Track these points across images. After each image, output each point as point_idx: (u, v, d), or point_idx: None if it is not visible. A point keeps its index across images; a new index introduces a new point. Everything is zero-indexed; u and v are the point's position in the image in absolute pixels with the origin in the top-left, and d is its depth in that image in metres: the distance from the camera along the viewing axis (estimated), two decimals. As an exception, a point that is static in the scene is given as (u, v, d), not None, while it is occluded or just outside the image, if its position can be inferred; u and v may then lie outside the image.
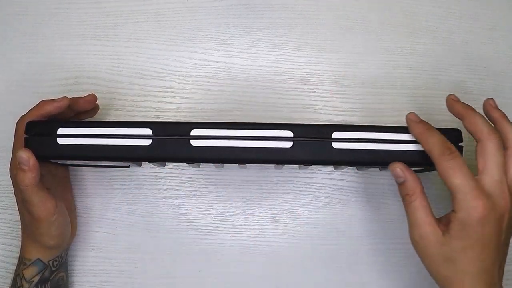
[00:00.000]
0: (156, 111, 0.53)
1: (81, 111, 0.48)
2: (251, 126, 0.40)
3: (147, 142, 0.40)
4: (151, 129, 0.40)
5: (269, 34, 0.54)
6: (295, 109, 0.53)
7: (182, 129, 0.40)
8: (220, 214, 0.53)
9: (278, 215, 0.53)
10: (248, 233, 0.53)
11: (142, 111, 0.53)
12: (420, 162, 0.41)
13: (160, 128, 0.40)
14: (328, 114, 0.53)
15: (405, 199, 0.40)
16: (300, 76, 0.54)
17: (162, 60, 0.54)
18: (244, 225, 0.53)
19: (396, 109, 0.53)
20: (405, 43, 0.54)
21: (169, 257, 0.52)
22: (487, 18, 0.55)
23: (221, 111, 0.53)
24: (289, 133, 0.40)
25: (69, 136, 0.40)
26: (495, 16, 0.55)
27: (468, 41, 0.55)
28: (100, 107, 0.53)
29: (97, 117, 0.53)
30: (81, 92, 0.53)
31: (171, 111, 0.53)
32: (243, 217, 0.53)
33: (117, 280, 0.52)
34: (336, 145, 0.40)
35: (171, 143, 0.40)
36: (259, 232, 0.53)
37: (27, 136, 0.41)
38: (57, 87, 0.53)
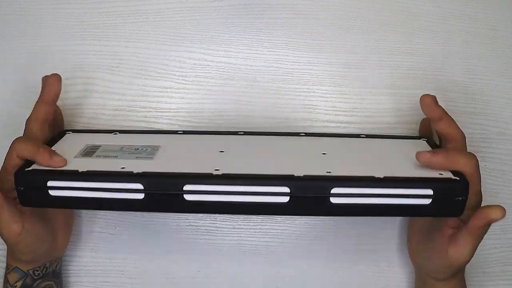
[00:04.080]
0: (155, 111, 0.53)
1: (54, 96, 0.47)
2: (246, 181, 0.39)
3: (140, 196, 0.39)
4: (142, 184, 0.39)
5: (268, 34, 0.54)
6: (294, 109, 0.53)
7: (174, 185, 0.39)
8: (220, 214, 0.53)
9: (278, 215, 0.53)
10: (248, 233, 0.53)
11: (141, 111, 0.53)
12: (423, 214, 0.40)
13: (151, 183, 0.39)
14: (327, 114, 0.53)
15: None
16: (300, 76, 0.54)
17: (161, 60, 0.54)
18: (244, 225, 0.53)
19: (396, 109, 0.53)
20: (404, 43, 0.54)
21: (169, 257, 0.52)
22: (487, 18, 0.55)
23: (221, 111, 0.53)
24: (286, 189, 0.38)
25: (60, 188, 0.39)
26: (495, 16, 0.55)
27: (468, 41, 0.55)
28: (98, 107, 0.53)
29: (99, 118, 0.53)
30: (81, 91, 0.53)
31: (171, 111, 0.53)
32: (243, 217, 0.53)
33: (117, 280, 0.52)
34: (334, 200, 0.38)
35: (164, 198, 0.39)
36: (259, 232, 0.53)
37: (20, 188, 0.40)
38: (57, 87, 0.53)
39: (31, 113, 0.46)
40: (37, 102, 0.46)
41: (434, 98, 0.45)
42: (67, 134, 0.48)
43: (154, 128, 0.52)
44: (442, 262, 0.44)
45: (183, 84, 0.53)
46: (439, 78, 0.54)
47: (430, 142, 0.48)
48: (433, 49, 0.54)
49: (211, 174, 0.39)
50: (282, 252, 0.52)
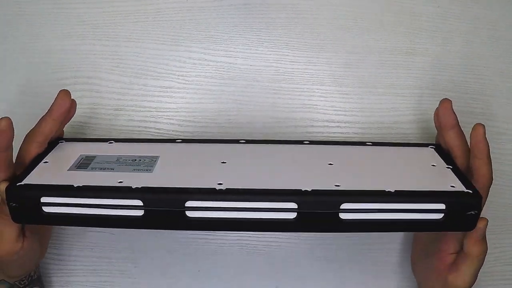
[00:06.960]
0: (156, 111, 0.53)
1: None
2: (251, 196, 0.37)
3: (139, 212, 0.37)
4: (142, 201, 0.37)
5: (268, 34, 0.54)
6: (294, 109, 0.53)
7: (175, 201, 0.37)
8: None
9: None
10: (248, 233, 0.53)
11: (141, 111, 0.53)
12: (434, 229, 0.39)
13: (151, 199, 0.37)
14: (327, 114, 0.53)
15: None
16: (300, 76, 0.54)
17: (161, 60, 0.54)
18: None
19: (396, 109, 0.53)
20: (405, 43, 0.54)
21: (169, 257, 0.52)
22: (487, 18, 0.55)
23: (221, 111, 0.53)
24: (293, 205, 0.36)
25: (54, 205, 0.37)
26: (495, 16, 0.55)
27: (468, 41, 0.55)
28: (98, 107, 0.53)
29: (100, 118, 0.53)
30: (80, 91, 0.53)
31: (171, 111, 0.53)
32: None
33: (117, 280, 0.52)
34: (344, 216, 0.37)
35: (164, 215, 0.37)
36: (259, 231, 0.53)
37: (12, 204, 0.38)
38: (56, 87, 0.53)
39: (35, 127, 0.43)
40: (43, 117, 0.43)
41: (451, 103, 0.43)
42: (59, 144, 0.46)
43: (154, 128, 0.52)
44: (441, 285, 0.43)
45: (184, 83, 0.53)
46: (439, 78, 0.54)
47: (439, 150, 0.46)
48: (433, 49, 0.54)
49: (214, 189, 0.37)
50: (282, 252, 0.52)
